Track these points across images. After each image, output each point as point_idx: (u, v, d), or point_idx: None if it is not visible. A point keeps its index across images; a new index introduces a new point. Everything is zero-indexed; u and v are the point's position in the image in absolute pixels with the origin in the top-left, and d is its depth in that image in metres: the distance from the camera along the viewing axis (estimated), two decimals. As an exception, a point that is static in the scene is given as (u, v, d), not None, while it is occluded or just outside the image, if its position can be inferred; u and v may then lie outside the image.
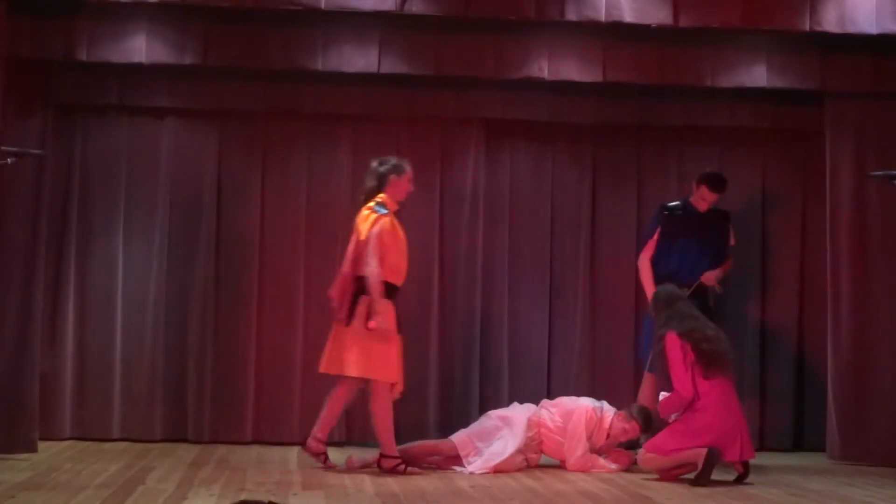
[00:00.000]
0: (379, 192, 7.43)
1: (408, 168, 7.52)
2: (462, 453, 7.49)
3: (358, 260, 7.33)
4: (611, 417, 7.68)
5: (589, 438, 7.64)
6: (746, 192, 9.09)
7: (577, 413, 7.67)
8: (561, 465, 7.69)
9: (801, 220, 9.11)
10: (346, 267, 7.44)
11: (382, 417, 7.31)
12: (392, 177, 7.44)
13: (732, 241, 8.29)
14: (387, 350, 7.26)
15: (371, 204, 7.39)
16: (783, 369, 9.01)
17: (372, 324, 7.16)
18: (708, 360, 7.24)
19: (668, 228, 8.18)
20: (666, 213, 8.24)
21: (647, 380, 8.06)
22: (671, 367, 7.30)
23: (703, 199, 8.14)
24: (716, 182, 8.15)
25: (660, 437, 7.35)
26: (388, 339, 7.25)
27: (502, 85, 8.56)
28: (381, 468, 7.30)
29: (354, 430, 8.73)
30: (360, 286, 7.29)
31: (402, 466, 7.25)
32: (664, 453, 7.20)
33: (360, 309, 7.24)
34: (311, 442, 7.50)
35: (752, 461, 7.31)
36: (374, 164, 7.54)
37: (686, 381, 7.25)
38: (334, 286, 7.49)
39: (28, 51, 7.66)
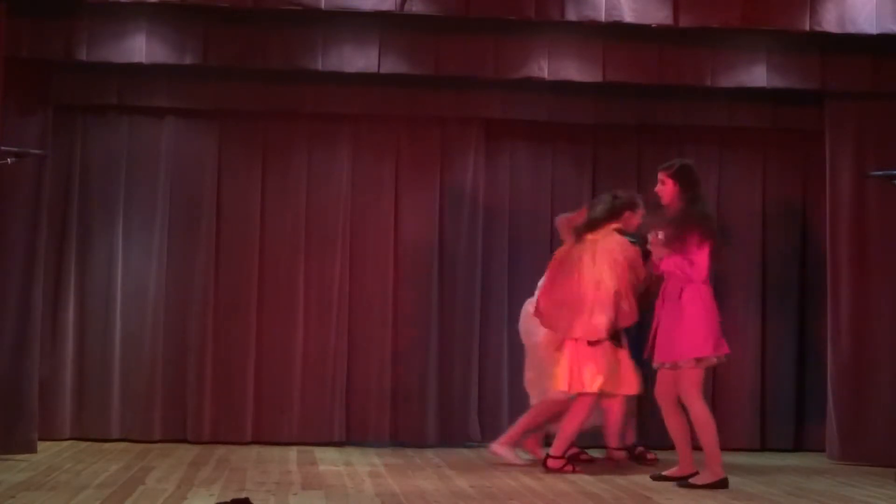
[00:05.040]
0: (612, 221, 7.65)
1: (641, 206, 7.74)
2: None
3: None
4: None
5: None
6: (746, 192, 9.10)
7: None
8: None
9: (801, 220, 9.12)
10: (577, 284, 7.52)
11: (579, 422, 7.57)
12: (627, 213, 7.69)
13: None
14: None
15: (629, 238, 7.60)
16: (784, 369, 9.01)
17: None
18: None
19: None
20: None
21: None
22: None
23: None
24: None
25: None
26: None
27: (502, 85, 8.56)
28: (546, 467, 7.47)
29: (354, 430, 8.74)
30: None
31: (570, 467, 7.47)
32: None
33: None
34: (613, 453, 7.84)
35: (752, 461, 7.29)
36: (614, 197, 7.73)
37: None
38: (551, 297, 7.64)
39: (28, 51, 7.66)
